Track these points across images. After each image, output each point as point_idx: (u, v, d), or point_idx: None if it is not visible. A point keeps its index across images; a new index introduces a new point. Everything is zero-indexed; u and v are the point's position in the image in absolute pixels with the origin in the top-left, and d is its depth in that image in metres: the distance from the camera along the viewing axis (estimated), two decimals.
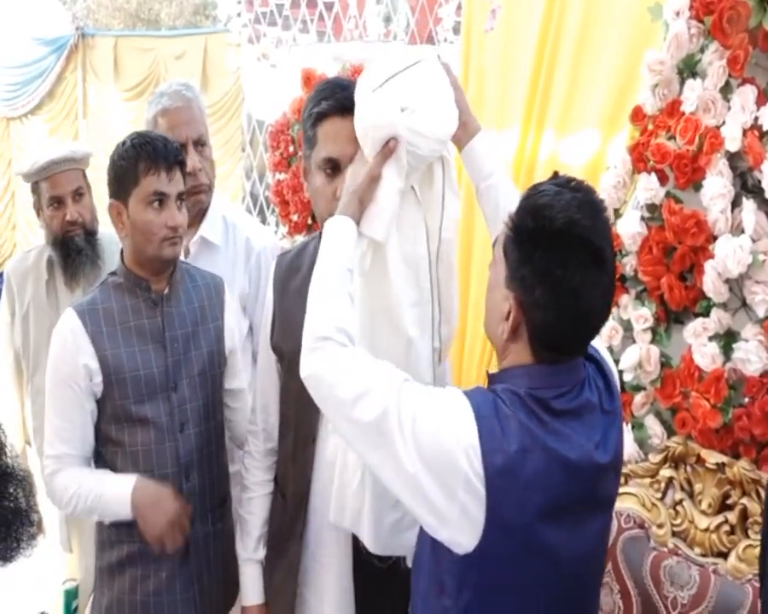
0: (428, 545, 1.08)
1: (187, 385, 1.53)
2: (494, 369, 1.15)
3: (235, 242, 1.93)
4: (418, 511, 1.04)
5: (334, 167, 1.30)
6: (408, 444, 1.02)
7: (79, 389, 1.47)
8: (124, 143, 1.51)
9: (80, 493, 1.48)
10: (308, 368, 1.13)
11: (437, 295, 1.30)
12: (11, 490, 0.52)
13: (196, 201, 1.87)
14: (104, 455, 1.53)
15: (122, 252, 1.56)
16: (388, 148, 1.20)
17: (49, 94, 6.09)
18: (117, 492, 1.47)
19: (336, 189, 1.29)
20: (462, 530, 1.01)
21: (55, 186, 2.04)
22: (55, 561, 2.24)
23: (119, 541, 1.51)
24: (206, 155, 1.87)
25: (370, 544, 1.29)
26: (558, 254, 1.00)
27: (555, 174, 1.11)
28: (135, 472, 1.48)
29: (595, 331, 1.08)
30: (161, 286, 1.54)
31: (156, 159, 1.47)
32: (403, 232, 1.26)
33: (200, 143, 1.84)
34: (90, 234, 2.05)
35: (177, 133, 1.80)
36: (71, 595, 2.00)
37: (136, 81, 5.49)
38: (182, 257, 1.89)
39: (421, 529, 1.09)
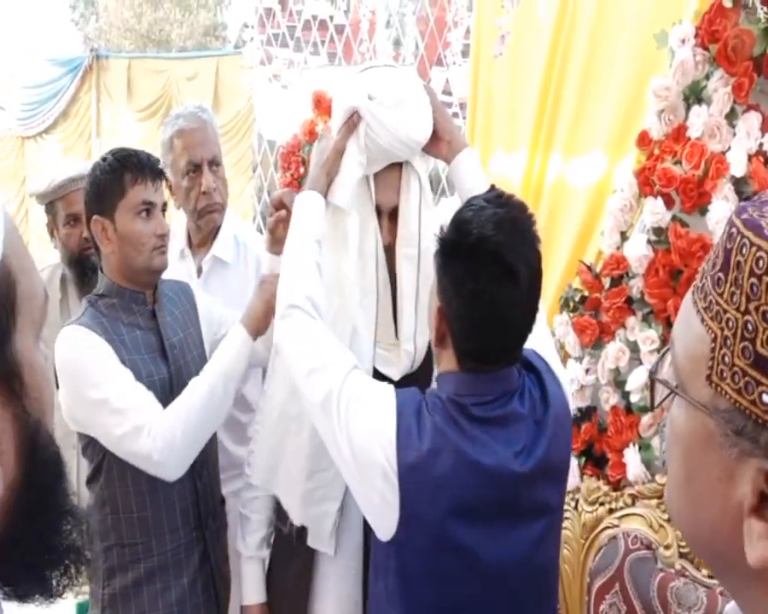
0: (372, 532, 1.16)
1: None
2: None
3: (246, 261, 1.97)
4: (352, 491, 1.14)
5: (379, 213, 1.35)
6: (342, 430, 1.11)
7: (120, 364, 1.43)
8: (104, 159, 1.52)
9: (192, 391, 1.43)
10: (278, 335, 1.25)
11: (387, 297, 1.36)
12: (67, 528, 0.54)
13: (210, 220, 1.91)
14: (108, 467, 1.48)
15: (101, 270, 1.54)
16: (352, 122, 1.30)
17: (64, 114, 6.19)
18: (230, 343, 1.47)
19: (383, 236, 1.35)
20: (382, 517, 1.10)
21: (71, 204, 2.06)
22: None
23: (133, 561, 1.48)
24: (220, 175, 1.92)
25: (292, 514, 1.37)
26: (470, 268, 1.06)
27: (492, 187, 1.18)
28: (149, 481, 1.46)
29: (515, 343, 1.12)
30: (152, 297, 1.55)
31: (142, 169, 1.49)
32: (360, 223, 1.35)
33: (214, 163, 1.89)
34: None
35: (192, 153, 1.86)
36: (83, 608, 2.01)
37: (148, 102, 5.58)
38: (195, 276, 1.95)
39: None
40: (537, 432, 1.12)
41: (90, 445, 1.49)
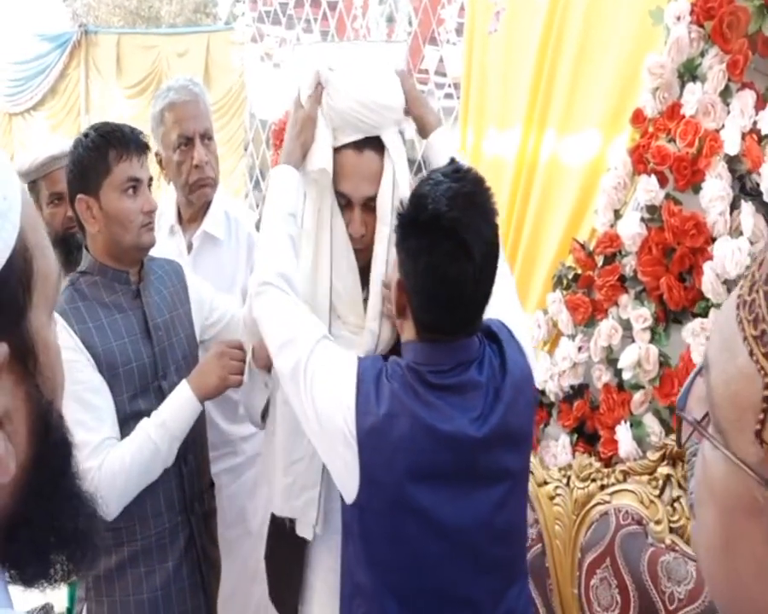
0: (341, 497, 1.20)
1: (174, 372, 1.53)
2: None
3: (237, 237, 1.95)
4: (322, 459, 1.19)
5: (348, 202, 1.35)
6: (308, 399, 1.16)
7: (93, 370, 1.41)
8: (86, 135, 1.47)
9: (138, 442, 1.40)
10: (254, 311, 1.29)
11: (354, 282, 1.38)
12: (76, 511, 0.55)
13: (202, 195, 1.89)
14: None
15: (86, 249, 1.51)
16: (318, 90, 1.33)
17: (52, 90, 6.12)
18: (177, 402, 1.44)
19: (349, 222, 1.35)
20: (346, 481, 1.14)
21: (54, 182, 2.02)
22: None
23: (117, 544, 1.47)
24: (212, 150, 1.90)
25: (275, 506, 1.41)
26: (425, 243, 1.09)
27: (452, 160, 1.20)
28: None
29: (471, 316, 1.15)
30: (135, 277, 1.52)
31: (127, 144, 1.45)
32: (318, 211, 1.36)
33: (206, 137, 1.87)
34: None
35: (184, 127, 1.83)
36: (74, 585, 2.02)
37: (138, 78, 5.51)
38: (185, 252, 1.94)
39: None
40: (494, 399, 1.15)
41: None
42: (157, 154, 1.90)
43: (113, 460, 1.39)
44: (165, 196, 2.09)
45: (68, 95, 6.02)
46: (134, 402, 1.46)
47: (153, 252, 1.58)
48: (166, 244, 1.88)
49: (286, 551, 1.47)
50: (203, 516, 1.59)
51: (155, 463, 1.43)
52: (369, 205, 1.34)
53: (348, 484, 1.14)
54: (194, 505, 1.55)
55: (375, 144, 1.33)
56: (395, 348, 1.34)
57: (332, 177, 1.34)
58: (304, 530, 1.38)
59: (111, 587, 1.48)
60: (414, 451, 1.11)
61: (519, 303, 1.37)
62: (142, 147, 1.48)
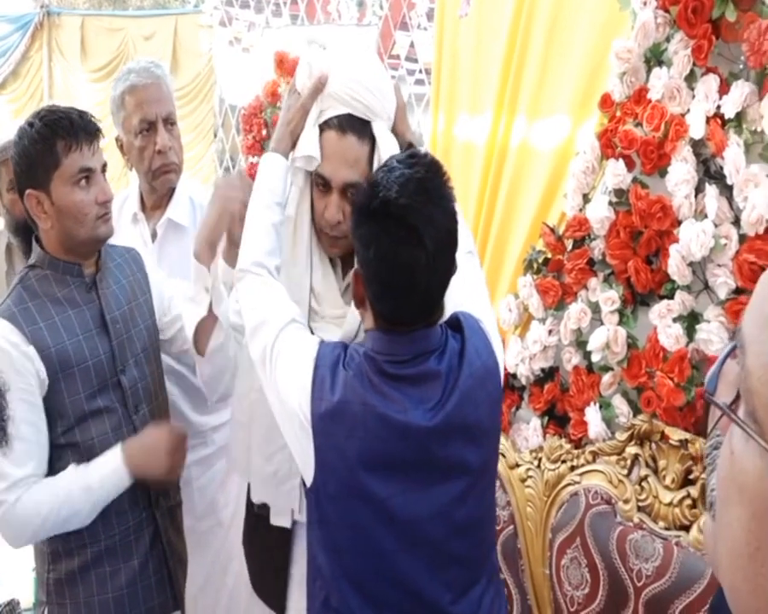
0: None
1: (134, 365, 1.49)
2: None
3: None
4: (282, 433, 1.19)
5: (325, 184, 1.31)
6: (272, 383, 1.17)
7: (36, 399, 1.35)
8: (31, 125, 1.36)
9: (60, 499, 1.35)
10: (238, 300, 1.30)
11: (327, 269, 1.38)
12: None
13: (165, 181, 1.85)
14: (52, 461, 1.41)
15: (38, 242, 1.44)
16: (320, 82, 1.30)
17: (13, 73, 5.95)
18: (107, 469, 1.38)
19: (326, 207, 1.31)
20: (304, 464, 1.15)
21: None
22: (25, 548, 2.22)
23: (80, 546, 1.43)
24: (175, 135, 1.85)
25: (253, 493, 1.41)
26: (374, 230, 1.08)
27: (409, 145, 1.21)
28: None
29: (425, 305, 1.13)
30: (91, 268, 1.46)
31: (76, 133, 1.35)
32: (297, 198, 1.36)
33: (169, 122, 1.82)
34: None
35: (146, 110, 1.78)
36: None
37: (103, 61, 5.39)
38: (149, 241, 1.89)
39: None
40: (450, 389, 1.12)
41: None
42: (118, 139, 1.85)
43: (30, 503, 1.34)
44: (132, 184, 2.04)
45: (31, 78, 5.86)
46: (92, 400, 1.41)
47: (115, 241, 1.53)
48: (130, 232, 1.84)
49: (268, 539, 1.46)
50: (168, 510, 1.56)
51: (72, 523, 1.39)
52: (349, 193, 1.30)
53: (306, 468, 1.15)
54: (159, 500, 1.52)
55: (359, 130, 1.29)
56: None
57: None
58: (280, 519, 1.37)
59: (74, 589, 1.44)
60: (366, 439, 1.10)
61: (487, 297, 1.34)
62: (93, 133, 1.39)
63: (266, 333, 1.20)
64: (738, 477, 0.37)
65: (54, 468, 1.41)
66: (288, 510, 1.36)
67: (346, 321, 1.32)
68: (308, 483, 1.16)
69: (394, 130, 1.35)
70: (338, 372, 1.13)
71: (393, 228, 1.06)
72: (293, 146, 1.33)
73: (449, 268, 1.12)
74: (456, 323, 1.19)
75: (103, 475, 1.39)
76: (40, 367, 1.35)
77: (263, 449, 1.36)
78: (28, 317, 1.37)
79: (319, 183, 1.31)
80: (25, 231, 1.98)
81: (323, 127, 1.30)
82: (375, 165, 1.28)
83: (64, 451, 1.41)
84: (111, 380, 1.44)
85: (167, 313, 1.60)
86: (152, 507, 1.51)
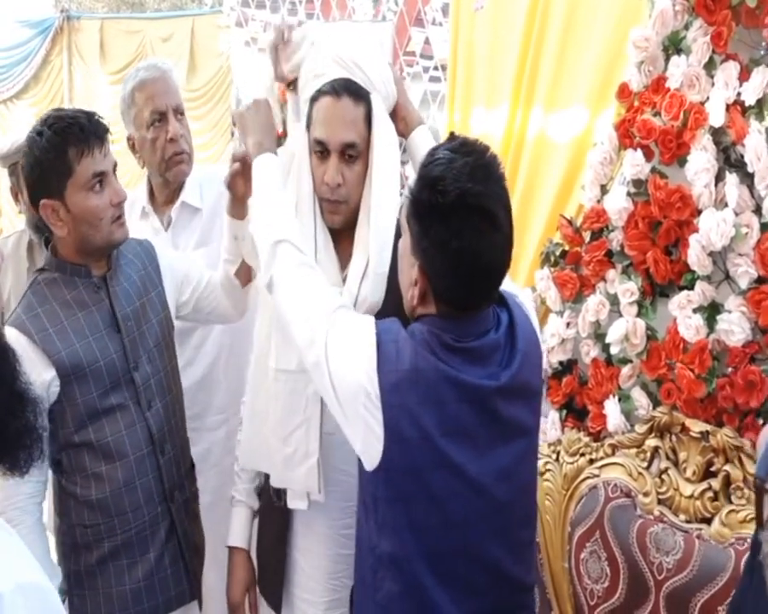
0: (359, 472, 1.19)
1: (147, 361, 1.49)
2: None
3: (210, 197, 1.92)
4: (339, 423, 1.16)
5: (323, 149, 1.32)
6: (327, 369, 1.13)
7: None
8: (40, 134, 1.36)
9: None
10: (268, 277, 1.24)
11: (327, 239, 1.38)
12: (25, 411, 0.59)
13: (178, 172, 1.87)
14: (66, 462, 1.43)
15: (50, 246, 1.47)
16: (280, 30, 1.34)
17: (35, 77, 6.05)
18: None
19: (325, 171, 1.32)
20: (368, 444, 1.11)
21: None
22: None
23: (97, 540, 1.45)
24: (185, 125, 1.89)
25: (273, 478, 1.40)
26: (454, 226, 1.07)
27: (452, 135, 1.18)
28: (108, 463, 1.43)
29: (497, 286, 1.16)
30: (102, 269, 1.47)
31: (87, 138, 1.35)
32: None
33: (178, 112, 1.86)
34: None
35: (157, 102, 1.82)
36: None
37: (122, 64, 5.45)
38: (162, 229, 1.90)
39: (359, 460, 1.17)
40: (510, 351, 1.16)
41: (50, 435, 1.40)
42: (129, 138, 1.88)
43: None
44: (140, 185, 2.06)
45: (51, 82, 5.94)
46: (105, 398, 1.43)
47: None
48: (139, 227, 1.86)
49: (270, 530, 1.48)
50: (184, 503, 1.58)
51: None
52: (347, 156, 1.31)
53: (370, 449, 1.11)
54: (174, 494, 1.54)
55: (355, 94, 1.30)
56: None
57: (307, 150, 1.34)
58: (296, 502, 1.38)
59: (93, 581, 1.47)
60: (440, 403, 1.09)
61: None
62: (102, 135, 1.38)
63: (312, 326, 1.17)
64: None
65: (72, 467, 1.44)
66: (304, 492, 1.37)
67: (344, 294, 1.32)
68: (374, 464, 1.11)
69: (394, 114, 1.38)
70: (403, 343, 1.11)
71: (473, 218, 1.06)
72: (274, 139, 1.35)
73: (513, 243, 1.14)
74: (499, 298, 1.22)
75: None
76: (51, 373, 1.37)
77: (278, 432, 1.37)
78: (38, 324, 1.38)
79: (317, 149, 1.32)
80: (46, 229, 2.01)
81: (317, 95, 1.31)
82: (374, 132, 1.30)
83: (80, 450, 1.44)
84: (124, 378, 1.45)
85: (184, 291, 1.63)
86: (167, 502, 1.53)
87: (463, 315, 1.14)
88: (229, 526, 1.52)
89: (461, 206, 1.06)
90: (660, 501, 1.58)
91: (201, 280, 1.64)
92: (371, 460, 1.12)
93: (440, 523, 1.12)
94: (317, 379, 1.18)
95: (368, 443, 1.12)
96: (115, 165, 1.44)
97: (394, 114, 1.39)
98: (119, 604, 1.47)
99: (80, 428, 1.42)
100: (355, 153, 1.31)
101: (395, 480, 1.12)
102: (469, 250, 1.07)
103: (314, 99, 1.32)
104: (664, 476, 1.58)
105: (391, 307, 1.34)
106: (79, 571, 1.47)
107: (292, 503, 1.39)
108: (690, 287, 1.54)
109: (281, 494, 1.41)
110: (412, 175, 1.29)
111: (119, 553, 1.46)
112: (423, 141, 1.41)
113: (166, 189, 1.92)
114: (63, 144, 1.34)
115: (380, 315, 1.31)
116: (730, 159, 1.49)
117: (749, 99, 1.42)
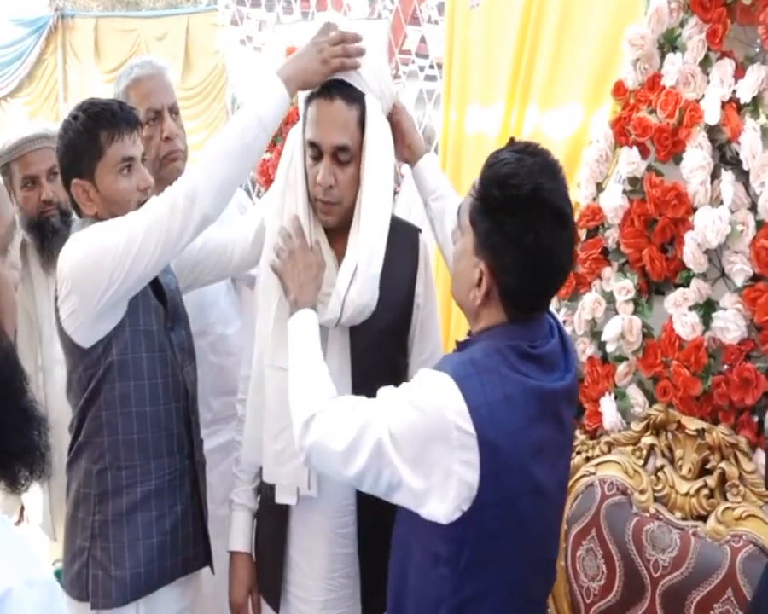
0: (412, 523, 1.13)
1: (180, 326, 1.56)
2: (459, 337, 1.22)
3: None
4: (403, 501, 1.10)
5: (316, 151, 1.33)
6: (396, 454, 1.07)
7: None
8: (75, 117, 1.44)
9: (226, 137, 1.38)
10: (303, 453, 1.20)
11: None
12: (30, 429, 0.61)
13: (173, 169, 1.85)
14: (113, 391, 1.42)
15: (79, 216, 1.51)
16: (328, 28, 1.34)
17: (29, 76, 6.02)
18: (269, 96, 1.32)
19: (318, 172, 1.33)
20: (449, 495, 1.05)
21: (28, 165, 1.98)
22: (41, 547, 2.24)
23: (130, 484, 1.45)
24: (180, 124, 1.89)
25: (264, 473, 1.42)
26: (528, 220, 1.07)
27: (512, 140, 1.18)
28: (152, 406, 1.45)
29: (562, 285, 1.19)
30: None
31: (118, 124, 1.43)
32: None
33: (174, 111, 1.86)
34: (66, 214, 1.99)
35: (153, 100, 1.81)
36: (58, 576, 2.01)
37: (117, 62, 5.42)
38: None
39: (397, 507, 1.14)
40: (564, 353, 1.19)
41: (88, 368, 1.42)
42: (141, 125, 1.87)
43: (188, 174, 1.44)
44: None
45: (46, 80, 5.92)
46: (154, 337, 1.47)
47: None
48: None
49: (268, 529, 1.48)
50: (202, 466, 1.61)
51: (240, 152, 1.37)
52: (340, 159, 1.31)
53: (454, 496, 1.05)
54: (195, 452, 1.57)
55: (347, 96, 1.30)
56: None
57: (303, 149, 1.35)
58: (285, 497, 1.39)
59: (119, 531, 1.45)
60: (529, 424, 1.08)
61: None
62: (133, 124, 1.47)
63: (368, 439, 1.10)
64: None
65: (111, 398, 1.43)
66: (293, 488, 1.37)
67: (330, 300, 1.32)
68: (456, 513, 1.05)
69: (399, 140, 1.41)
70: (485, 371, 1.07)
71: (546, 214, 1.08)
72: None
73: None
74: None
75: (269, 104, 1.34)
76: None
77: (271, 428, 1.38)
78: None
79: (310, 151, 1.33)
80: (38, 228, 2.00)
81: (311, 97, 1.33)
82: (367, 134, 1.30)
83: (127, 384, 1.43)
84: (166, 335, 1.50)
85: (193, 269, 1.64)
86: (192, 457, 1.55)
87: (531, 319, 1.14)
88: (230, 530, 1.53)
89: (535, 201, 1.07)
90: (656, 499, 1.58)
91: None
92: (448, 512, 1.05)
93: (525, 546, 1.11)
94: (374, 470, 1.10)
95: (449, 494, 1.05)
96: (144, 154, 1.50)
97: (399, 140, 1.42)
98: (145, 557, 1.45)
99: (135, 352, 1.43)
100: (347, 156, 1.32)
101: (491, 515, 1.07)
102: (542, 246, 1.07)
103: (308, 100, 1.33)
104: (660, 473, 1.58)
105: (382, 310, 1.34)
106: (106, 521, 1.45)
107: (280, 498, 1.40)
108: (686, 285, 1.54)
109: (274, 489, 1.42)
110: (408, 173, 1.29)
111: (149, 500, 1.46)
112: (430, 170, 1.43)
113: (160, 188, 1.91)
114: (96, 127, 1.42)
115: (371, 318, 1.32)
116: (726, 157, 1.49)
117: (744, 96, 1.42)
